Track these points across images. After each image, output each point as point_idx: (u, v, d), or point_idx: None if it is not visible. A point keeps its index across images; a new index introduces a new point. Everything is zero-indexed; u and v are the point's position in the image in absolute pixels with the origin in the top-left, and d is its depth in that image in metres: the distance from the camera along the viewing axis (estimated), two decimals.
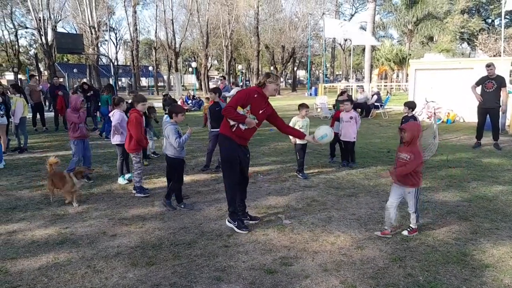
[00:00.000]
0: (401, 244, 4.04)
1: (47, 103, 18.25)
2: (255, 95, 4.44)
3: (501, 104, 8.97)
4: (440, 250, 3.88)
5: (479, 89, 9.21)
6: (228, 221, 4.57)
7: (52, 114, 14.46)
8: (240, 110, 4.33)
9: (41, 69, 51.44)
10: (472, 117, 12.67)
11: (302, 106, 6.90)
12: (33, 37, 52.09)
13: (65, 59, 59.21)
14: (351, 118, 7.44)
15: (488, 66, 8.99)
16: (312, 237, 4.28)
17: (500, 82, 8.86)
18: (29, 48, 58.66)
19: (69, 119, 6.70)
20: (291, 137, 6.31)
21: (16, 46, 50.40)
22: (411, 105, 7.24)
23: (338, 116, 7.66)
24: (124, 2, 43.65)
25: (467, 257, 3.73)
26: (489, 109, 9.00)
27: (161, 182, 6.72)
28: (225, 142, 4.49)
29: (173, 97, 16.76)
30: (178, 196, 5.36)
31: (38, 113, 13.46)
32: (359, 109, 16.98)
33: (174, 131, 5.05)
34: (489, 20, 52.54)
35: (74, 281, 3.44)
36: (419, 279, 3.34)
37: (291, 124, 6.64)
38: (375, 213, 5.00)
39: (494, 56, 35.30)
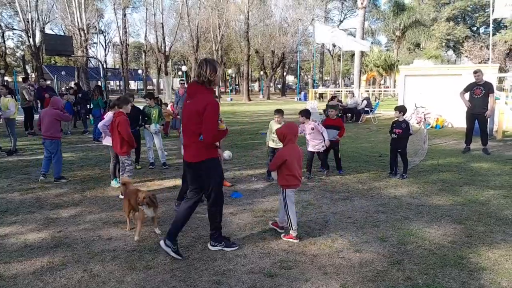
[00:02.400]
0: (398, 248, 4.07)
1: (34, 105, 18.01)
2: None
3: (488, 109, 9.11)
4: (437, 253, 3.91)
5: (467, 95, 9.37)
6: (213, 245, 4.09)
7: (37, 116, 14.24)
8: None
9: (28, 71, 50.75)
10: (460, 123, 12.87)
11: (276, 111, 6.85)
12: (21, 39, 51.42)
13: (53, 61, 58.51)
14: (312, 129, 7.03)
15: (475, 72, 9.16)
16: (309, 240, 4.28)
17: (488, 88, 9.03)
18: (16, 50, 57.83)
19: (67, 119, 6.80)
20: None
21: (3, 47, 49.61)
22: (401, 109, 7.23)
23: (328, 124, 7.49)
24: (114, 4, 43.37)
25: (463, 260, 3.77)
26: (477, 114, 9.15)
27: (155, 185, 6.68)
28: (216, 165, 3.93)
29: (163, 101, 16.65)
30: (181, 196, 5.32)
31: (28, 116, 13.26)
32: (349, 114, 17.16)
33: None
34: (474, 28, 53.55)
35: (70, 286, 3.37)
36: (418, 282, 3.36)
37: (269, 128, 6.95)
38: (370, 216, 5.03)
39: (479, 63, 36.02)
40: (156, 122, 7.82)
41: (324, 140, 6.96)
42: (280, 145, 6.36)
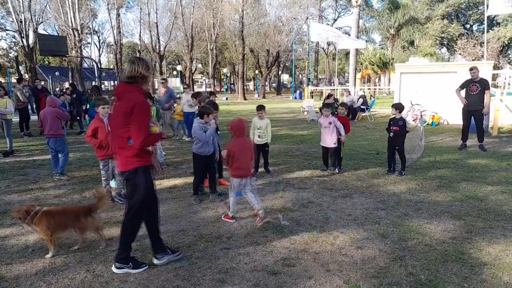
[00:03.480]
0: (399, 244, 4.09)
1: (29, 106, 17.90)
2: None
3: (484, 106, 9.18)
4: (438, 249, 3.94)
5: (463, 92, 9.43)
6: (118, 267, 3.59)
7: (35, 117, 14.10)
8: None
9: (22, 72, 50.39)
10: (456, 119, 12.96)
11: (258, 108, 7.16)
12: (14, 40, 51.05)
13: (47, 62, 58.13)
14: (330, 123, 7.18)
15: (471, 69, 9.22)
16: (311, 237, 4.29)
17: (484, 85, 9.11)
18: (9, 51, 57.40)
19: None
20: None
21: None
22: (398, 107, 7.22)
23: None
24: (108, 4, 43.12)
25: (464, 255, 3.81)
26: (474, 111, 9.22)
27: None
28: (146, 175, 3.50)
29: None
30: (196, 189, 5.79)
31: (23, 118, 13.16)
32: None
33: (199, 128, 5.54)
34: (468, 26, 53.89)
35: (73, 286, 3.37)
36: (421, 277, 3.39)
37: (252, 125, 7.06)
38: (371, 213, 5.05)
39: (473, 60, 36.24)
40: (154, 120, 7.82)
41: (341, 136, 7.11)
42: (264, 140, 7.09)
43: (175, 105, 11.65)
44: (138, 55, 51.54)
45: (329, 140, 7.23)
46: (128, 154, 3.39)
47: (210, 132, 5.55)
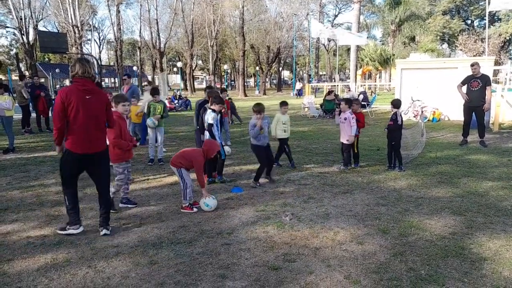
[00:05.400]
0: (400, 239, 4.10)
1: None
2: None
3: (485, 102, 9.16)
4: (438, 245, 3.95)
5: (464, 88, 9.40)
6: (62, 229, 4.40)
7: (34, 115, 14.00)
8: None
9: (22, 69, 50.33)
10: (457, 115, 12.97)
11: (283, 103, 7.49)
12: (14, 37, 51.00)
13: (47, 59, 58.11)
14: (345, 119, 7.22)
15: (472, 65, 9.19)
16: (312, 233, 4.30)
17: (485, 80, 9.08)
18: (10, 48, 57.35)
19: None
20: None
21: None
22: (393, 103, 7.27)
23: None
24: (108, 1, 43.06)
25: (465, 250, 3.81)
26: (475, 107, 9.19)
27: (155, 182, 6.68)
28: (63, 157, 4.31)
29: (159, 97, 16.56)
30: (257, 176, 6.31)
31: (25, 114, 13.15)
32: None
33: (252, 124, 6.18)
34: (469, 21, 53.71)
35: (75, 282, 3.38)
36: (421, 273, 3.40)
37: (275, 120, 7.32)
38: (371, 209, 5.06)
39: (474, 56, 36.15)
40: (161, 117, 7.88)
41: (352, 133, 7.11)
42: (288, 134, 7.42)
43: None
44: (138, 52, 51.54)
45: (343, 135, 7.26)
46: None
47: (257, 129, 6.19)
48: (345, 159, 7.31)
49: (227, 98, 10.74)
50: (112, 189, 5.04)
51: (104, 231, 4.36)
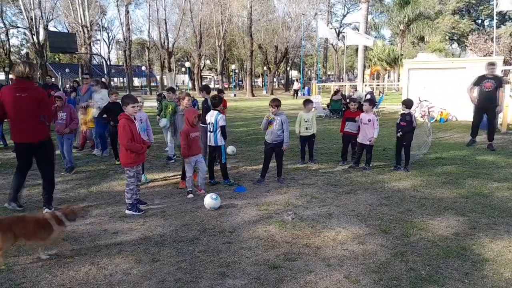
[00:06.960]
0: (402, 240, 4.10)
1: None
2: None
3: (498, 103, 8.91)
4: (440, 245, 3.94)
5: (476, 89, 9.14)
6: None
7: None
8: None
9: None
10: (465, 116, 12.85)
11: (307, 101, 7.84)
12: (25, 37, 51.63)
13: (57, 59, 58.72)
14: (369, 120, 7.15)
15: (492, 64, 8.88)
16: (313, 233, 4.32)
17: (499, 81, 8.79)
18: (20, 48, 58.10)
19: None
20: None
21: (7, 45, 49.86)
22: (405, 103, 7.13)
23: (349, 116, 7.68)
24: (117, 1, 43.39)
25: (466, 251, 3.80)
26: (487, 108, 8.90)
27: (161, 180, 6.73)
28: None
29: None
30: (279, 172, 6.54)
31: None
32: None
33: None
34: (479, 21, 53.17)
35: (78, 278, 3.43)
36: (421, 273, 3.39)
37: (298, 119, 7.63)
38: (374, 209, 5.05)
39: (484, 56, 35.76)
40: (168, 117, 7.89)
41: (375, 135, 7.10)
42: (311, 131, 7.63)
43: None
44: (147, 52, 51.79)
45: (364, 136, 7.22)
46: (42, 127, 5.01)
47: (264, 120, 6.44)
48: (367, 160, 7.30)
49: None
50: (127, 195, 5.04)
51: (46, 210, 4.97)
